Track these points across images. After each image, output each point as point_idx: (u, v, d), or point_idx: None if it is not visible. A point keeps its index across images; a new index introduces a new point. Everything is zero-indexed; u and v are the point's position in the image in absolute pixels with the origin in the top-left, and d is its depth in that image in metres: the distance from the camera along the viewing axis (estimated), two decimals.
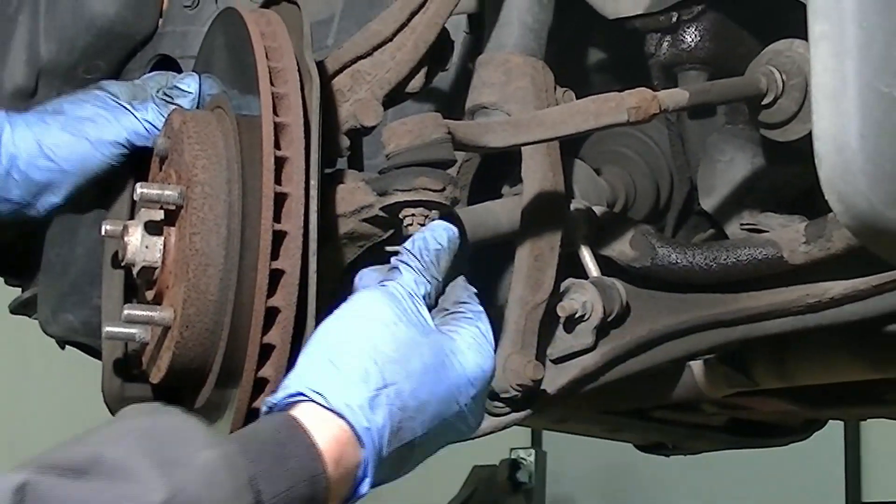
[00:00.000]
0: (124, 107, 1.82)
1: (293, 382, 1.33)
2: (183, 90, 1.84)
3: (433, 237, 1.44)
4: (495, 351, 1.44)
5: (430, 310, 1.42)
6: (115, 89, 1.86)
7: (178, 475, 1.14)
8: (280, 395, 1.33)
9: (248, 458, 1.21)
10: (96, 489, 1.09)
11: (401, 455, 1.35)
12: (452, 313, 1.44)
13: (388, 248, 1.49)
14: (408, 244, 1.44)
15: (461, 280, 1.47)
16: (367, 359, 1.33)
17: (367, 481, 1.32)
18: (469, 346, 1.40)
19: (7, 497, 1.04)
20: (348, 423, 1.30)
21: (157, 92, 1.85)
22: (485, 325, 1.43)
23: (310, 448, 1.26)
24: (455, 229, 1.47)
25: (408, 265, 1.42)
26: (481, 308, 1.45)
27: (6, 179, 1.79)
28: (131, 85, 1.88)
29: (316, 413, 1.29)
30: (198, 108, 1.82)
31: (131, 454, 1.14)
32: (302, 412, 1.30)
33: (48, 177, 1.80)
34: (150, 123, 1.81)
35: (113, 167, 1.82)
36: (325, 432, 1.28)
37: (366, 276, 1.46)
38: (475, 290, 1.49)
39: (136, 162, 1.84)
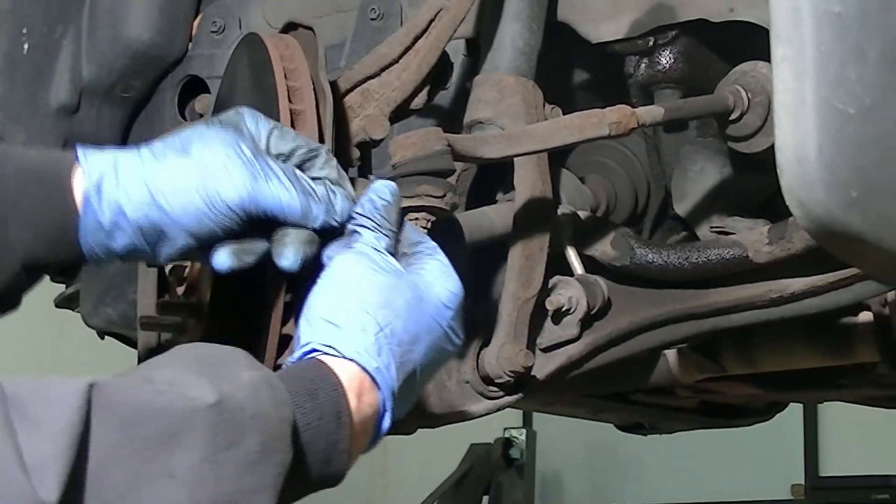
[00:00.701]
0: (258, 167, 1.36)
1: (303, 343, 1.32)
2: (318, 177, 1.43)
3: (378, 196, 1.41)
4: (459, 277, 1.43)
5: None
6: (253, 125, 1.42)
7: (226, 386, 1.13)
8: (296, 354, 1.32)
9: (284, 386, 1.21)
10: (155, 390, 1.09)
11: (408, 385, 1.34)
12: (412, 255, 1.42)
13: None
14: (358, 209, 1.41)
15: (409, 225, 1.46)
16: (359, 311, 1.32)
17: (387, 416, 1.31)
18: (436, 276, 1.39)
19: (81, 389, 1.04)
20: (361, 366, 1.29)
21: (298, 163, 1.43)
22: (442, 257, 1.42)
23: (336, 386, 1.26)
24: (394, 184, 1.44)
25: (364, 226, 1.40)
26: (435, 244, 1.44)
27: (111, 230, 1.36)
28: (275, 132, 1.43)
29: (333, 359, 1.29)
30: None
31: (181, 373, 1.14)
32: (323, 358, 1.29)
33: (161, 227, 1.36)
34: (279, 204, 1.37)
35: (227, 230, 1.38)
36: (345, 373, 1.27)
37: (331, 249, 1.42)
38: (424, 230, 1.48)
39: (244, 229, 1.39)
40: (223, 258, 1.40)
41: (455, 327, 1.40)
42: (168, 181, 1.35)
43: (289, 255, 1.40)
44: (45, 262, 1.38)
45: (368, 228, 1.39)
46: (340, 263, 1.37)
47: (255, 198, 1.36)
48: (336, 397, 1.25)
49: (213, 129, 1.39)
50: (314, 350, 1.30)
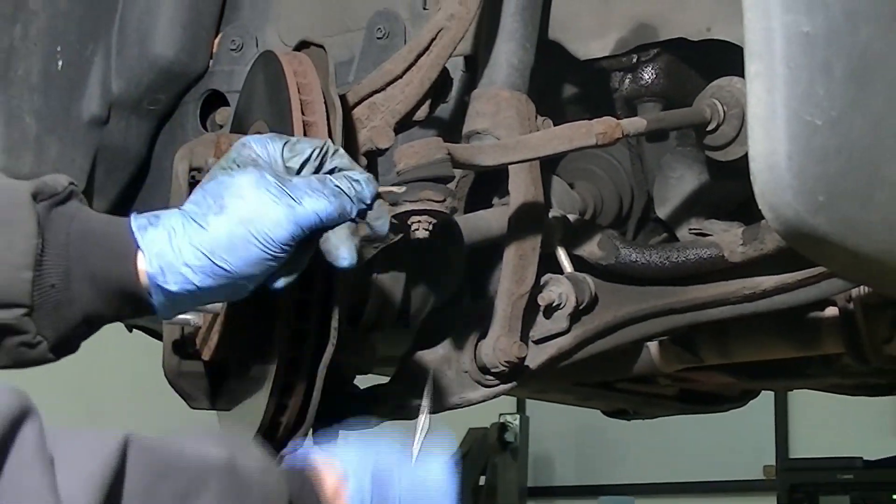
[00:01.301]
0: (289, 195, 1.37)
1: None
2: (353, 179, 1.43)
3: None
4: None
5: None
6: (264, 151, 1.42)
7: (240, 454, 1.15)
8: None
9: None
10: (182, 447, 1.10)
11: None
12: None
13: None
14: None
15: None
16: None
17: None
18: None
19: (118, 440, 1.03)
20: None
21: (316, 165, 1.44)
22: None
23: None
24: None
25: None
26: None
27: (183, 298, 1.37)
28: (285, 148, 1.44)
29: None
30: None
31: (205, 441, 1.15)
32: None
33: (228, 282, 1.37)
34: (319, 216, 1.38)
35: (284, 260, 1.39)
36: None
37: None
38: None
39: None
40: (279, 282, 1.41)
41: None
42: (220, 244, 1.35)
43: (345, 254, 1.41)
44: (106, 317, 1.39)
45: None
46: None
47: (299, 223, 1.36)
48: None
49: (234, 177, 1.38)
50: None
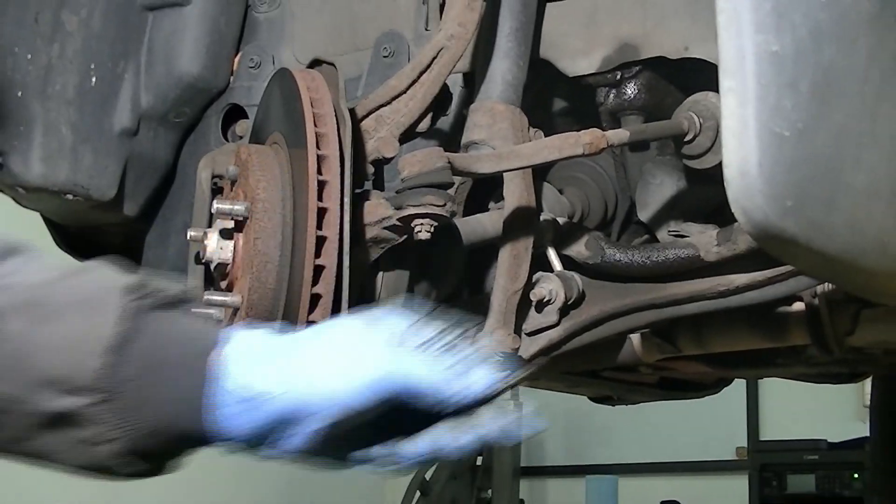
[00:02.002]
0: (393, 341, 1.10)
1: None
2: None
3: None
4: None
5: None
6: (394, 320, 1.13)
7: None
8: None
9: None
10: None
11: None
12: None
13: None
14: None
15: None
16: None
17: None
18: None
19: None
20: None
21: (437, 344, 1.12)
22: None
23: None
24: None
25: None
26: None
27: (251, 412, 1.10)
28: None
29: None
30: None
31: None
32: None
33: (290, 414, 1.09)
34: (405, 382, 1.09)
35: (364, 412, 1.10)
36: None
37: None
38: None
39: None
40: (354, 458, 1.15)
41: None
42: (303, 359, 1.11)
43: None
44: (172, 437, 1.12)
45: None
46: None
47: (393, 373, 1.10)
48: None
49: (345, 322, 1.16)
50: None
